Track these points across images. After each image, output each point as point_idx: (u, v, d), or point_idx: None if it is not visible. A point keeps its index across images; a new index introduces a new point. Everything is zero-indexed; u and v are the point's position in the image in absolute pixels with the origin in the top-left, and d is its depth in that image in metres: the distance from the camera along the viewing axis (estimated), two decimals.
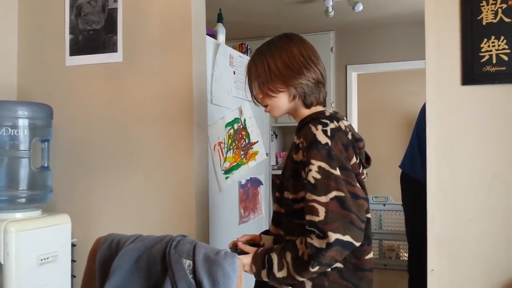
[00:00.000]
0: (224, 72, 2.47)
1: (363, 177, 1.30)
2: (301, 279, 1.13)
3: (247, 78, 1.35)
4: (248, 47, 2.94)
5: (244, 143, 2.59)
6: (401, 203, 2.98)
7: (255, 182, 2.74)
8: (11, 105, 2.05)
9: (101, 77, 2.27)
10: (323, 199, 1.08)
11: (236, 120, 2.52)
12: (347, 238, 1.06)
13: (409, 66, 4.44)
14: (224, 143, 2.38)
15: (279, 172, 4.24)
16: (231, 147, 2.44)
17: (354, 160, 1.22)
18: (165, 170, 2.17)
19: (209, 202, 2.22)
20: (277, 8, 4.05)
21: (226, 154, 2.39)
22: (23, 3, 2.38)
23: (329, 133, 1.16)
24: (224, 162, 2.36)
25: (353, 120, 4.69)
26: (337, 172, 1.11)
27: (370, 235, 1.23)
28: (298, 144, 1.21)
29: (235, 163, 2.47)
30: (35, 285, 1.94)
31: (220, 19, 2.61)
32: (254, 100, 1.37)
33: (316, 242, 1.07)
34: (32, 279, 1.92)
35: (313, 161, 1.12)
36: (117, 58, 2.23)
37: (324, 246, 1.05)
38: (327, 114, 1.26)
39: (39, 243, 1.96)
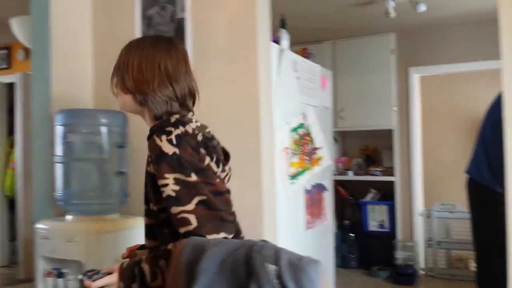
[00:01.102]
0: (288, 77, 2.48)
1: (225, 173, 1.31)
2: None
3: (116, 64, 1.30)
4: (311, 52, 2.94)
5: (309, 148, 2.59)
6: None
7: (320, 188, 2.72)
8: (90, 113, 2.17)
9: None
10: (189, 207, 1.09)
11: (300, 126, 2.52)
12: (222, 235, 1.11)
13: (474, 67, 4.25)
14: (290, 148, 2.39)
15: (340, 177, 4.17)
16: (296, 152, 2.44)
17: (207, 160, 1.19)
18: (232, 175, 2.20)
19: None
20: (337, 11, 4.02)
21: (292, 159, 2.39)
22: (98, 15, 2.50)
23: (174, 141, 1.12)
24: (289, 167, 2.37)
25: (415, 123, 4.55)
26: (193, 178, 1.11)
27: (238, 226, 1.26)
28: (148, 156, 1.18)
29: (300, 169, 2.47)
30: None
31: (283, 25, 2.63)
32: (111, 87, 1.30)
33: None
34: None
35: (166, 175, 1.10)
36: None
37: None
38: (173, 120, 1.19)
39: (118, 245, 2.05)
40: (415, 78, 4.61)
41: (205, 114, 2.24)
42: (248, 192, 2.16)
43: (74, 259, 1.96)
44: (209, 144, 1.24)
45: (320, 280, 1.05)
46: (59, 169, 2.13)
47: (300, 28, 4.40)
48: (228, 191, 1.22)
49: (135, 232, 2.14)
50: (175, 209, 1.10)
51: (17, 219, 4.57)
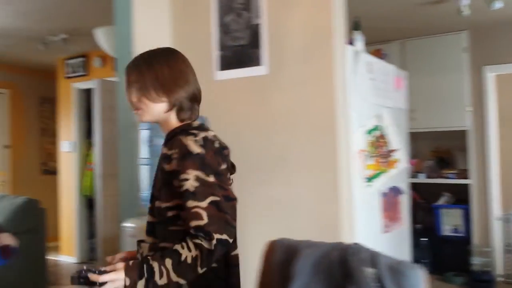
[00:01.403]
0: (363, 79, 2.45)
1: (230, 182, 1.38)
2: (184, 282, 1.15)
3: (126, 80, 1.35)
4: (384, 53, 2.89)
5: (385, 150, 2.55)
6: None
7: (396, 191, 2.67)
8: None
9: (247, 89, 2.41)
10: (203, 204, 1.16)
11: (376, 128, 2.49)
12: (224, 236, 1.15)
13: None
14: (365, 151, 2.37)
15: (411, 180, 4.05)
16: (372, 155, 2.41)
17: (223, 166, 1.30)
18: (309, 177, 2.22)
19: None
20: (406, 10, 3.92)
21: (367, 162, 2.37)
22: (176, 23, 2.61)
23: (201, 143, 1.23)
24: (365, 170, 2.35)
25: (491, 124, 4.33)
26: (211, 178, 1.20)
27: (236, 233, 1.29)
28: (170, 155, 1.24)
29: (376, 171, 2.43)
30: None
31: (357, 26, 2.61)
32: (129, 102, 1.36)
33: (205, 244, 1.13)
34: None
35: (188, 171, 1.18)
36: (262, 71, 2.35)
37: (212, 247, 1.13)
38: (195, 125, 1.32)
39: None
40: (490, 77, 4.39)
41: (280, 117, 2.29)
42: (325, 195, 2.17)
43: None
44: (223, 152, 1.35)
45: (422, 285, 1.04)
46: (144, 171, 2.24)
47: (367, 28, 4.34)
48: (235, 199, 1.32)
49: None
50: (190, 203, 1.17)
51: (96, 218, 4.85)
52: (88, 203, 5.48)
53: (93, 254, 5.51)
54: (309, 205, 2.20)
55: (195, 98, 1.36)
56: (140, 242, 1.40)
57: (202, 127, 1.32)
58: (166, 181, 1.25)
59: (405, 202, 2.82)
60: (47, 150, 6.37)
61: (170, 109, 1.31)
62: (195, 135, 1.25)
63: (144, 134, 2.23)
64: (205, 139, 1.26)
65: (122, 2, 2.44)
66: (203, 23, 2.52)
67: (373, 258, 1.13)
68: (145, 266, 1.13)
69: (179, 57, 1.38)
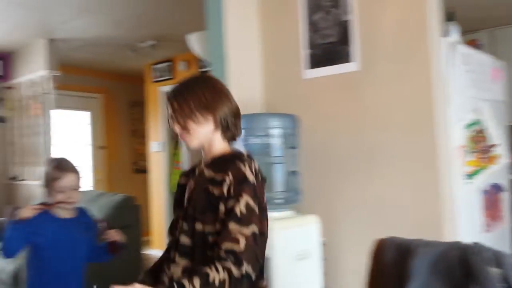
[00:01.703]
0: (460, 72, 2.35)
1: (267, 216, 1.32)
2: None
3: (169, 110, 1.36)
4: (480, 43, 2.74)
5: (484, 146, 2.43)
6: None
7: (497, 188, 2.53)
8: (265, 117, 2.34)
9: (337, 86, 2.41)
10: (245, 231, 1.17)
11: (475, 122, 2.38)
12: (250, 270, 1.15)
13: None
14: (465, 146, 2.27)
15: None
16: (472, 150, 2.31)
17: (265, 199, 1.30)
18: (406, 174, 2.18)
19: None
20: None
21: (467, 158, 2.27)
22: (265, 23, 2.67)
23: (254, 172, 1.25)
24: (465, 166, 2.25)
25: None
26: (257, 210, 1.21)
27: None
28: (220, 179, 1.24)
29: (477, 168, 2.33)
30: (294, 279, 2.15)
31: (452, 17, 2.50)
32: (174, 130, 1.37)
33: (234, 270, 1.12)
34: (291, 272, 2.14)
35: (243, 195, 1.20)
36: (352, 68, 2.34)
37: (240, 276, 1.12)
38: (246, 154, 1.33)
39: (295, 241, 2.18)
40: None
41: (373, 114, 2.27)
42: (424, 193, 2.12)
43: None
44: (265, 185, 1.35)
45: None
46: None
47: (465, 17, 4.12)
48: (267, 236, 1.31)
49: (310, 229, 2.25)
50: (233, 226, 1.18)
51: None
52: None
53: None
54: (408, 204, 2.16)
55: (238, 114, 1.39)
56: (168, 261, 1.38)
57: (251, 157, 1.35)
58: (213, 205, 1.24)
59: (506, 200, 2.66)
60: (138, 150, 6.79)
61: (216, 128, 1.34)
62: (249, 163, 1.27)
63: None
64: (257, 170, 1.29)
65: (213, 7, 2.55)
66: (291, 22, 2.56)
67: (498, 257, 1.09)
68: (176, 284, 1.12)
69: (215, 79, 1.45)
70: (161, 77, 5.74)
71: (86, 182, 6.44)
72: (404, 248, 1.31)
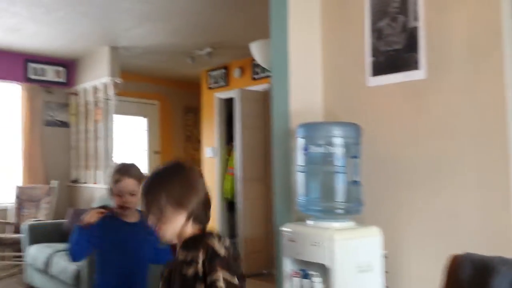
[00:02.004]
0: None
1: None
2: None
3: (144, 202, 1.40)
4: None
5: None
6: None
7: None
8: (327, 126, 2.31)
9: (402, 95, 2.34)
10: None
11: None
12: None
13: None
14: None
15: None
16: None
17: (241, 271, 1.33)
18: (476, 186, 2.08)
19: None
20: None
21: None
22: (327, 31, 2.64)
23: (224, 247, 1.29)
24: None
25: None
26: (236, 281, 1.25)
27: None
28: (191, 259, 1.28)
29: None
30: None
31: None
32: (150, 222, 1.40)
33: None
34: (352, 285, 2.09)
35: (218, 271, 1.23)
36: (419, 76, 2.26)
37: None
38: (215, 232, 1.36)
39: (356, 253, 2.13)
40: None
41: (441, 123, 2.18)
42: (496, 206, 2.01)
43: (319, 262, 2.10)
44: (239, 260, 1.41)
45: None
46: (300, 177, 2.31)
47: None
48: None
49: (372, 241, 2.20)
50: None
51: (236, 219, 5.13)
52: (229, 205, 5.83)
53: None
54: (478, 217, 2.05)
55: (207, 203, 1.42)
56: None
57: (221, 236, 1.38)
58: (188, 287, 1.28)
59: None
60: (191, 155, 6.94)
61: (187, 219, 1.37)
62: (218, 239, 1.32)
63: (300, 141, 2.30)
64: (227, 245, 1.33)
65: (278, 16, 2.56)
66: (355, 29, 2.52)
67: None
68: None
69: (187, 170, 1.43)
70: (216, 83, 5.84)
71: None
72: (483, 266, 1.25)
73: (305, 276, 2.17)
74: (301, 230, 2.23)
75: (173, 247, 2.08)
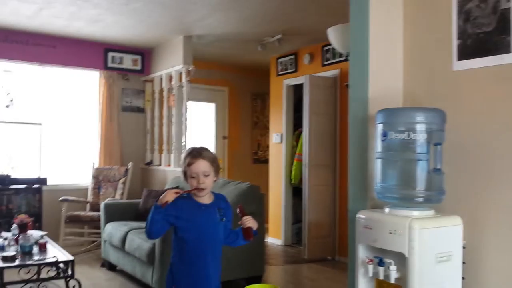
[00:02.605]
0: None
1: None
2: None
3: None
4: None
5: None
6: None
7: None
8: (409, 112, 2.24)
9: (491, 79, 2.22)
10: None
11: None
12: None
13: None
14: None
15: None
16: None
17: None
18: None
19: None
20: None
21: None
22: (411, 13, 2.54)
23: None
24: None
25: None
26: None
27: None
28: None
29: None
30: (434, 281, 2.05)
31: None
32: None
33: None
34: (431, 274, 2.04)
35: None
36: (511, 59, 2.13)
37: None
38: None
39: (436, 242, 2.06)
40: None
41: None
42: None
43: (396, 250, 2.06)
44: None
45: None
46: (378, 164, 2.27)
47: None
48: None
49: (453, 231, 2.12)
50: None
51: (303, 205, 5.14)
52: (294, 190, 5.85)
53: (297, 238, 5.86)
54: None
55: None
56: None
57: None
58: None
59: None
60: (257, 141, 7.02)
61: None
62: None
63: (379, 128, 2.25)
64: None
65: (358, 0, 2.50)
66: (440, 11, 2.41)
67: None
68: None
69: None
70: (285, 70, 5.84)
71: None
72: None
73: (380, 263, 2.14)
74: (378, 217, 2.19)
75: (245, 231, 2.12)
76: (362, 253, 2.26)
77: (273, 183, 6.03)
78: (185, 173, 2.05)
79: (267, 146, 6.54)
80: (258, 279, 4.01)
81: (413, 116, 2.16)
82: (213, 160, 2.05)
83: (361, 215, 2.26)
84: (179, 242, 2.07)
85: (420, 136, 2.14)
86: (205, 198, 2.07)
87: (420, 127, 2.14)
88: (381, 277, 2.14)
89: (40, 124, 5.52)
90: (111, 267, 4.46)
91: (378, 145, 2.26)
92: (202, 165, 2.00)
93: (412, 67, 2.53)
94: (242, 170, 6.70)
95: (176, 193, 1.98)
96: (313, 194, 5.07)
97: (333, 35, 3.30)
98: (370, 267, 2.18)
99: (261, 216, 4.18)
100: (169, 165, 5.56)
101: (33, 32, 5.20)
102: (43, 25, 4.97)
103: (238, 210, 2.08)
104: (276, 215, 5.97)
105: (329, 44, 5.08)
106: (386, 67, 2.53)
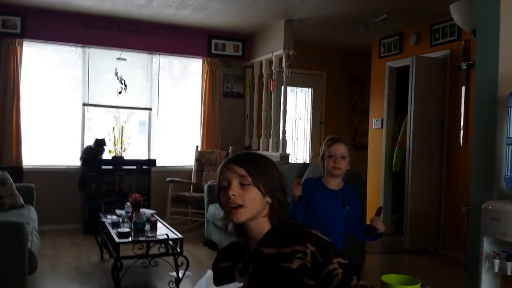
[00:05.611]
0: None
1: None
2: None
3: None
4: None
5: None
6: None
7: None
8: None
9: None
10: (355, 280, 1.19)
11: None
12: None
13: None
14: None
15: None
16: None
17: None
18: None
19: None
20: None
21: None
22: None
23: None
24: None
25: None
26: (346, 260, 1.22)
27: None
28: (289, 252, 1.21)
29: None
30: None
31: None
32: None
33: None
34: None
35: (334, 260, 1.20)
36: None
37: None
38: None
39: None
40: None
41: None
42: None
43: None
44: None
45: None
46: (509, 151, 2.08)
47: None
48: None
49: None
50: (353, 283, 1.19)
51: (405, 193, 4.92)
52: (394, 178, 5.63)
53: (396, 228, 5.65)
54: None
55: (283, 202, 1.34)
56: None
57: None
58: (295, 281, 1.19)
59: None
60: (355, 126, 6.85)
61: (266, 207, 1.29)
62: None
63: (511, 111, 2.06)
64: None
65: None
66: None
67: None
68: None
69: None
70: (388, 51, 5.59)
71: (304, 156, 6.81)
72: None
73: (509, 258, 2.00)
74: (510, 209, 2.02)
75: (370, 228, 2.05)
76: (487, 246, 2.11)
77: (372, 170, 5.85)
78: (322, 156, 2.15)
79: (366, 132, 6.34)
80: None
81: None
82: (350, 149, 2.17)
83: (488, 206, 2.10)
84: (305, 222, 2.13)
85: None
86: (334, 184, 2.14)
87: None
88: (509, 273, 2.02)
89: (150, 109, 5.88)
90: (213, 246, 4.65)
91: (510, 130, 2.08)
92: (341, 148, 2.11)
93: (510, 49, 2.27)
94: None
95: (298, 183, 2.09)
96: (416, 183, 4.83)
97: (456, 11, 3.06)
98: (496, 262, 2.05)
99: (364, 202, 4.09)
100: (266, 150, 5.63)
101: (144, 20, 5.51)
102: (154, 14, 5.24)
103: (378, 209, 2.07)
104: (374, 201, 5.79)
105: (439, 23, 4.76)
106: None
